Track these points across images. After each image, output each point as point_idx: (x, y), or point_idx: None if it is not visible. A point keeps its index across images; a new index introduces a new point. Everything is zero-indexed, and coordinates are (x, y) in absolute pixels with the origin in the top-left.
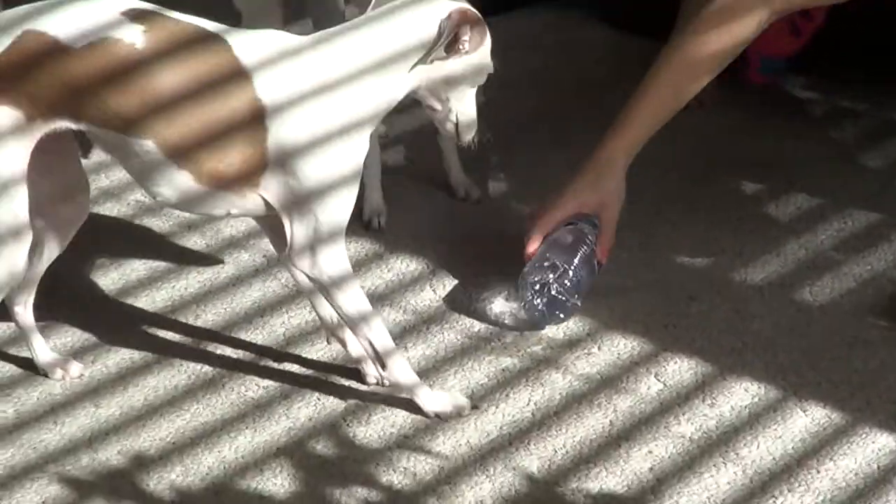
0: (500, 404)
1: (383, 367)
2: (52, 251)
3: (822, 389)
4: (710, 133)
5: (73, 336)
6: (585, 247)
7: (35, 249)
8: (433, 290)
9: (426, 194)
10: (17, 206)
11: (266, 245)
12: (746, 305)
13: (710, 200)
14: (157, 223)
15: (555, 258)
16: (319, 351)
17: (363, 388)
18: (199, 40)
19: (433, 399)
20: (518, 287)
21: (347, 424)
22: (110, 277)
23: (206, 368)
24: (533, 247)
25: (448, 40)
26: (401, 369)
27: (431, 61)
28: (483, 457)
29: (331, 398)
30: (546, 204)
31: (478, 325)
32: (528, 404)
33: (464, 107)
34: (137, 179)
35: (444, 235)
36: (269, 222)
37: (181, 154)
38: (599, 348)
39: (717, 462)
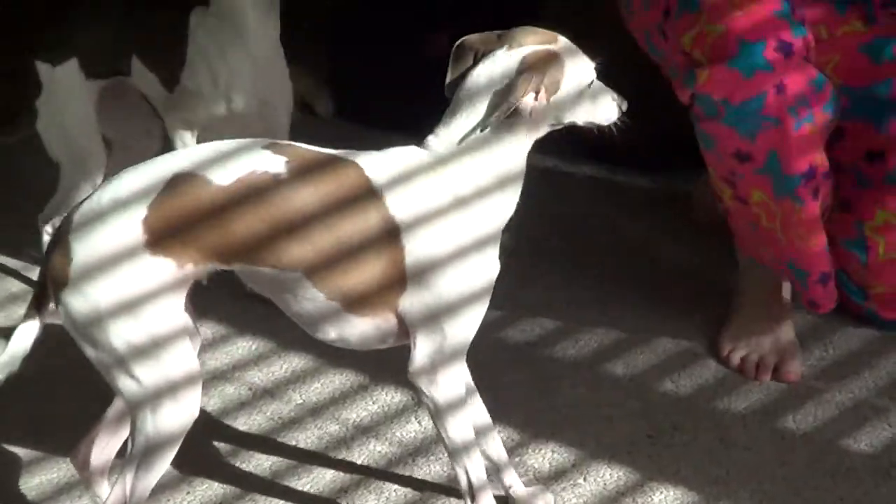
0: None
1: (472, 500)
2: None
3: None
4: (691, 265)
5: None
6: None
7: None
8: (418, 422)
9: None
10: (187, 355)
11: (251, 377)
12: (730, 434)
13: (694, 328)
14: None
15: None
16: (307, 484)
17: None
18: (332, 165)
19: None
20: None
21: None
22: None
23: (190, 499)
24: None
25: (511, 106)
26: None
27: (499, 119)
28: None
29: None
30: None
31: None
32: None
33: (595, 114)
34: (288, 311)
35: None
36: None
37: (331, 288)
38: (585, 479)
39: None
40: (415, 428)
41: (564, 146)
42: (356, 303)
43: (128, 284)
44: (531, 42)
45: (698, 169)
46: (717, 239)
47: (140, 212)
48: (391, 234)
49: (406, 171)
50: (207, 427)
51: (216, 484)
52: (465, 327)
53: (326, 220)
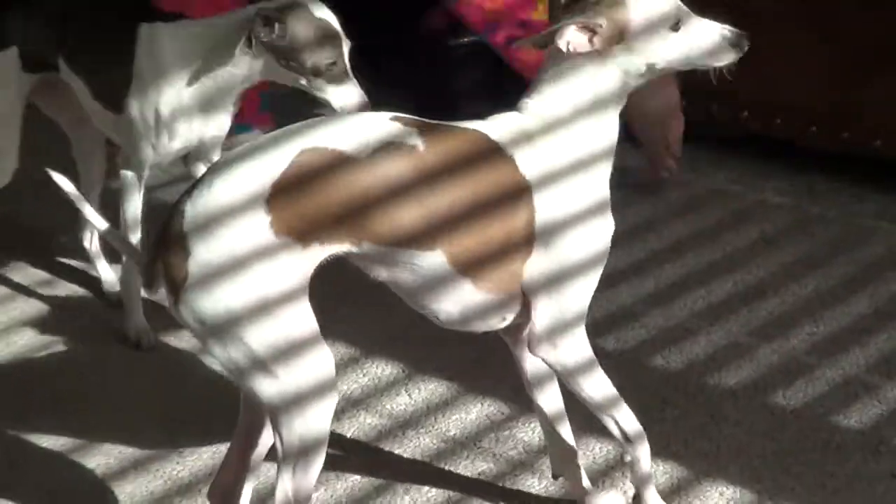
0: None
1: (631, 448)
2: None
3: (797, 494)
4: (681, 238)
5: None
6: None
7: None
8: (408, 395)
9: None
10: (321, 345)
11: None
12: (720, 409)
13: (683, 305)
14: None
15: None
16: None
17: None
18: (468, 138)
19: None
20: None
21: None
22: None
23: (183, 473)
24: None
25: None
26: (646, 456)
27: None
28: None
29: None
30: None
31: (454, 430)
32: None
33: (694, 55)
34: (415, 298)
35: (418, 338)
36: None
37: (467, 264)
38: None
39: None
40: (405, 401)
41: None
42: (485, 273)
43: (255, 273)
44: None
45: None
46: (713, 213)
47: (263, 192)
48: (523, 196)
49: (525, 132)
50: (196, 400)
51: (206, 455)
52: (585, 290)
53: (462, 187)
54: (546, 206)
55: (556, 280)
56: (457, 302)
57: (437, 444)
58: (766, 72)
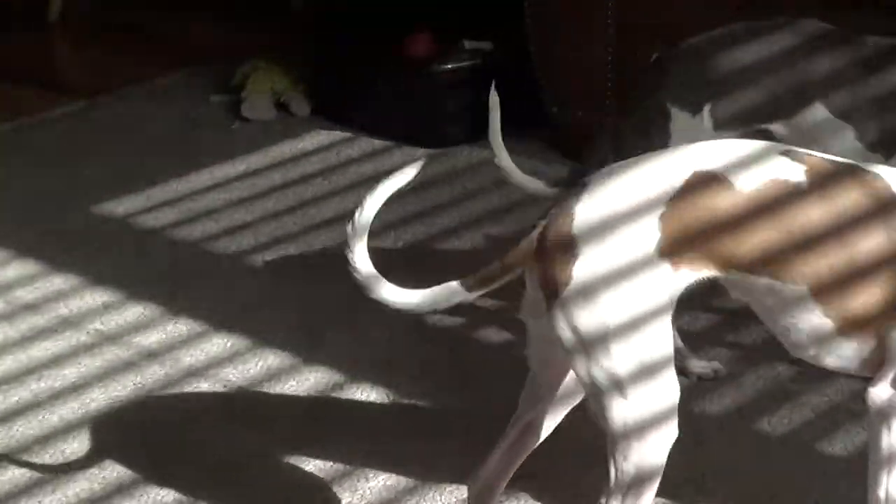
0: None
1: None
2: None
3: None
4: None
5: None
6: None
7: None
8: (393, 420)
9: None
10: (675, 375)
11: (226, 374)
12: (705, 436)
13: None
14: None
15: None
16: (286, 481)
17: None
18: (851, 175)
19: None
20: None
21: None
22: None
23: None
24: None
25: None
26: None
27: None
28: None
29: None
30: None
31: (438, 456)
32: None
33: None
34: (774, 322)
35: (403, 364)
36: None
37: (828, 297)
38: (559, 478)
39: None
40: (389, 426)
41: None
42: (850, 324)
43: (635, 289)
44: None
45: None
46: None
47: (658, 209)
48: None
49: None
50: (183, 422)
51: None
52: None
53: (844, 235)
54: None
55: None
56: (817, 343)
57: (421, 471)
58: None
